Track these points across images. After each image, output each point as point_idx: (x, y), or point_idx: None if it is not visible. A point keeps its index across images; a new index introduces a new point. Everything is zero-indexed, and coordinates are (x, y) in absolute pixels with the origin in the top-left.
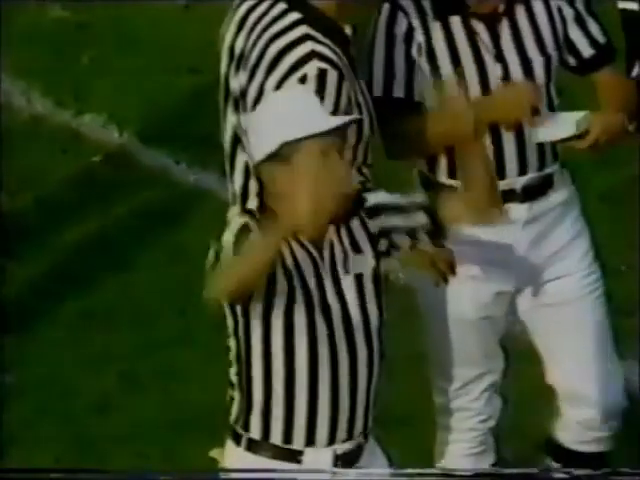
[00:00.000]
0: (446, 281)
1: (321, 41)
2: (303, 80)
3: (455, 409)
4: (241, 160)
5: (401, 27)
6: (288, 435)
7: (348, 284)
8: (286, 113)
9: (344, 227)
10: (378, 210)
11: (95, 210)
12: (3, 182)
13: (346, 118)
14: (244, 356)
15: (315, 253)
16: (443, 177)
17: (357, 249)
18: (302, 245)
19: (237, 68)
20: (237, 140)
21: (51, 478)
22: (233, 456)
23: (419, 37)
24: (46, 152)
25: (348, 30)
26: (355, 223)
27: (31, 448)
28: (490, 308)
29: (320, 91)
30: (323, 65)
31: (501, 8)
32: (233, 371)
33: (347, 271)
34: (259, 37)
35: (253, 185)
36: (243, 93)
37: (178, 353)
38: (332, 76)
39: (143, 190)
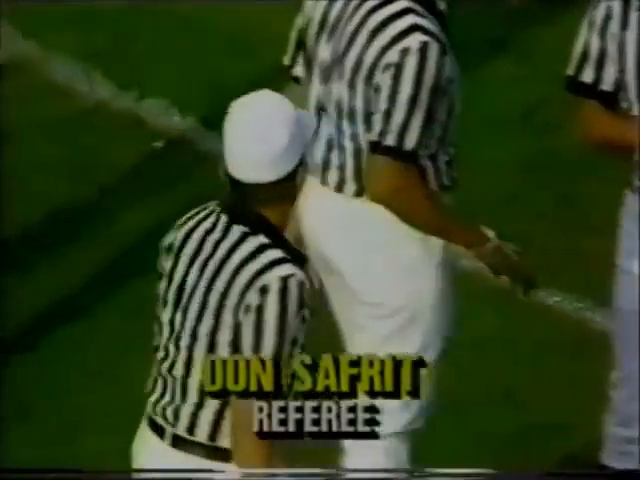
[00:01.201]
0: (527, 296)
1: (422, 14)
2: (405, 52)
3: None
4: (325, 132)
5: (600, 13)
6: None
7: None
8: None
9: None
10: None
11: (156, 197)
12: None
13: None
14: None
15: None
16: None
17: None
18: None
19: (329, 38)
20: (322, 110)
21: (51, 478)
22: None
23: (614, 26)
24: (108, 138)
25: (442, 5)
26: None
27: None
28: None
29: (421, 64)
30: (425, 38)
31: None
32: (173, 380)
33: None
34: (357, 8)
35: (334, 157)
36: (336, 62)
37: None
38: (433, 49)
39: (205, 176)
